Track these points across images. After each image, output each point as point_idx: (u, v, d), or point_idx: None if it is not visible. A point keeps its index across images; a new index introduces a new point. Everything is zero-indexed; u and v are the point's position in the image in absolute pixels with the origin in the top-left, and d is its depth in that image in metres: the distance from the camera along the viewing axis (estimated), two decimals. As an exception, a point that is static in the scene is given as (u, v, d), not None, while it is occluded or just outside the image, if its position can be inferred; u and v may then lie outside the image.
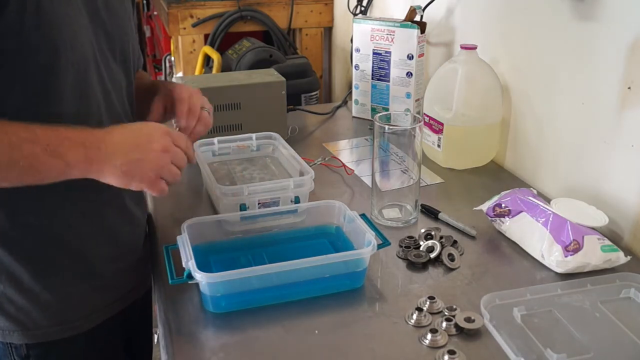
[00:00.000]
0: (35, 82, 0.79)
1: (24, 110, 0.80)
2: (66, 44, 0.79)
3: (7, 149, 0.74)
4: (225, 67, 1.98)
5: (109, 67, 0.90)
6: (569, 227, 0.92)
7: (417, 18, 1.47)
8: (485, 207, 1.04)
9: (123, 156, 0.80)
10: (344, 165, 1.31)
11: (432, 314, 0.83)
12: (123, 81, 0.95)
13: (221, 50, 2.07)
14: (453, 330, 0.79)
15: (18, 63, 0.78)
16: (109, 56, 0.90)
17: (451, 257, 0.95)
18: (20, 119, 0.77)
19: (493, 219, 1.03)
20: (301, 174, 1.12)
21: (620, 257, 0.92)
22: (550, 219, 0.94)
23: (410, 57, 1.47)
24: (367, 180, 1.24)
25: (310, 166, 1.12)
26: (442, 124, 1.27)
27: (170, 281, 0.83)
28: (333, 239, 0.98)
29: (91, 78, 0.86)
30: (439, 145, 1.29)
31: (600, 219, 0.98)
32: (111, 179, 0.81)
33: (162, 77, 2.73)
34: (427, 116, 1.31)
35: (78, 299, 0.93)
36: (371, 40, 1.54)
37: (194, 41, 2.16)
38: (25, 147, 0.75)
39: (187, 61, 2.17)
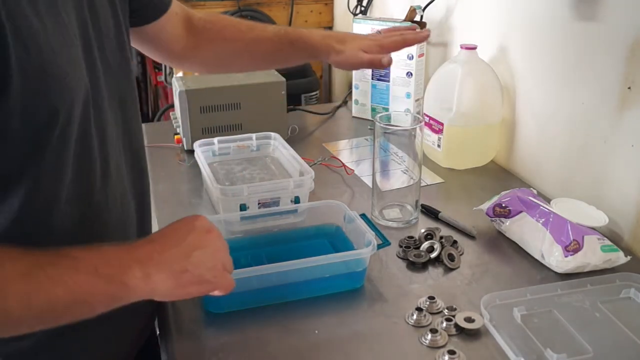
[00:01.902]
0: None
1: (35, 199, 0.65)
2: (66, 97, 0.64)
3: (47, 285, 0.58)
4: (225, 67, 1.98)
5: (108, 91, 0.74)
6: (569, 227, 0.92)
7: (417, 18, 1.48)
8: (485, 207, 1.04)
9: (183, 256, 0.66)
10: (344, 165, 1.31)
11: (432, 314, 0.83)
12: (125, 95, 0.80)
13: (221, 50, 2.07)
14: (453, 330, 0.79)
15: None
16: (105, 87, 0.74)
17: (451, 257, 0.95)
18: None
19: (493, 219, 1.03)
20: (301, 174, 1.12)
21: (620, 257, 0.92)
22: (550, 219, 0.94)
23: (410, 57, 1.47)
24: (367, 180, 1.24)
25: (310, 166, 1.12)
26: (442, 124, 1.26)
27: (170, 281, 0.83)
28: (333, 239, 0.98)
29: (89, 122, 0.70)
30: (439, 145, 1.29)
31: (600, 219, 0.98)
32: (166, 289, 0.65)
33: (162, 77, 2.73)
34: (427, 116, 1.31)
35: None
36: (371, 40, 1.54)
37: (194, 41, 2.16)
38: (70, 278, 0.59)
39: (187, 61, 2.17)
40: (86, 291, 0.60)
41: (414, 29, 1.05)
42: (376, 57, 0.97)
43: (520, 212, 0.99)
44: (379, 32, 1.08)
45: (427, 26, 1.48)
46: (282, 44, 1.03)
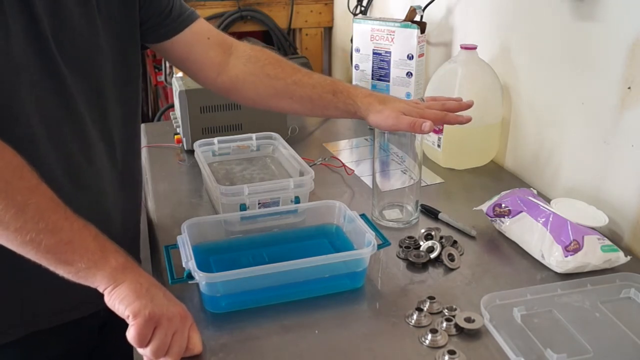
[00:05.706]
0: None
1: None
2: None
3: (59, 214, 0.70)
4: (225, 67, 1.97)
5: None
6: (569, 227, 0.92)
7: (417, 18, 1.47)
8: (485, 207, 1.04)
9: (157, 290, 0.74)
10: (344, 165, 1.31)
11: (432, 314, 0.83)
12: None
13: (221, 50, 2.07)
14: (453, 330, 0.79)
15: None
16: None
17: (451, 257, 0.95)
18: None
19: (493, 219, 1.03)
20: (301, 174, 1.12)
21: (620, 257, 0.92)
22: (550, 219, 0.94)
23: (410, 57, 1.47)
24: (367, 180, 1.24)
25: (310, 166, 1.12)
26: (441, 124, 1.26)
27: (170, 281, 0.83)
28: (333, 239, 0.98)
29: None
30: (439, 145, 1.29)
31: (600, 219, 0.98)
32: (129, 293, 0.71)
33: (162, 77, 2.73)
34: (427, 116, 1.30)
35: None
36: (371, 40, 1.54)
37: (194, 41, 2.16)
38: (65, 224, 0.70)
39: (187, 61, 2.17)
40: (77, 238, 0.70)
41: (458, 101, 1.04)
42: (417, 120, 0.95)
43: (520, 212, 0.99)
44: (422, 99, 1.07)
45: (427, 26, 1.48)
46: (325, 92, 1.03)
